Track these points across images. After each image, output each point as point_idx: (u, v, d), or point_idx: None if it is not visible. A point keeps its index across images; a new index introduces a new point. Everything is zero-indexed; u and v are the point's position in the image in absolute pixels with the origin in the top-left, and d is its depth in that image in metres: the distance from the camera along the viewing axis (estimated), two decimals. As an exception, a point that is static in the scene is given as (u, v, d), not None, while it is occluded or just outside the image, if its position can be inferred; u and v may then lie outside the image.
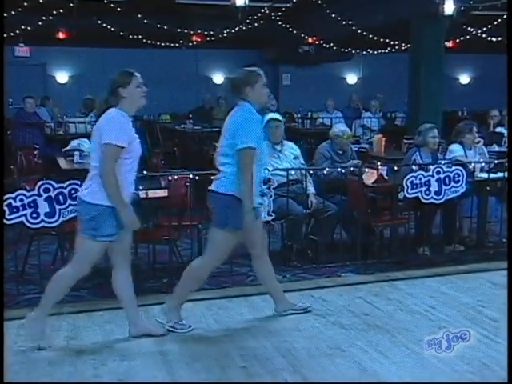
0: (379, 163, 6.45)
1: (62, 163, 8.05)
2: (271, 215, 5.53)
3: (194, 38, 14.01)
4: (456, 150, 6.73)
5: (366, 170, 6.30)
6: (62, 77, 15.99)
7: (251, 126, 4.19)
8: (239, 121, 4.21)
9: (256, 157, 4.19)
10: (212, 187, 4.33)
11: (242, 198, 4.16)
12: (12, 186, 4.89)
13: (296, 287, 5.26)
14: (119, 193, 3.91)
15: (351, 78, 17.80)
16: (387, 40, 14.60)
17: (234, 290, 5.30)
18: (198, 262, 4.44)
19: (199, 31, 13.82)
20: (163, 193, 5.44)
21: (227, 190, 4.21)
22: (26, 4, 10.99)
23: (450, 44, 13.63)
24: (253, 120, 4.22)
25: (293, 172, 5.97)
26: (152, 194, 5.26)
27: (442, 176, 5.80)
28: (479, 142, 6.96)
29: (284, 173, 5.83)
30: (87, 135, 10.15)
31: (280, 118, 6.43)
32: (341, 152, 6.61)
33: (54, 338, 4.23)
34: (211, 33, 13.54)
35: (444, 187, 5.82)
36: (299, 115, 14.28)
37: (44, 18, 12.13)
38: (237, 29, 13.19)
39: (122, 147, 3.88)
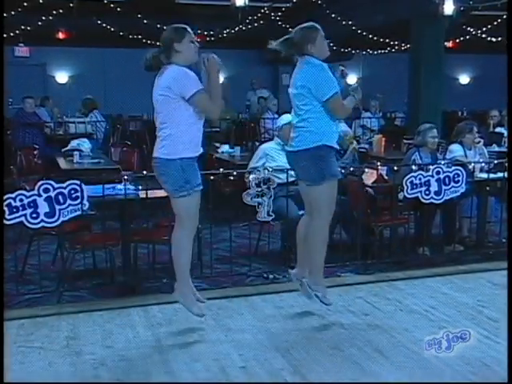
0: (379, 163, 6.45)
1: (62, 163, 8.06)
2: (271, 215, 5.55)
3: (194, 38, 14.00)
4: (456, 149, 6.74)
5: (366, 170, 6.30)
6: (62, 77, 16.00)
7: (327, 75, 4.22)
8: (313, 74, 4.22)
9: None
10: (295, 146, 4.35)
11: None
12: (12, 186, 4.88)
13: (296, 287, 5.24)
14: (219, 95, 4.10)
15: (351, 78, 17.79)
16: (387, 40, 14.61)
17: (234, 289, 5.30)
18: (314, 224, 4.40)
19: (199, 31, 13.81)
20: (163, 193, 5.43)
21: (316, 142, 4.23)
22: (25, 4, 10.99)
23: (449, 44, 13.64)
24: (324, 69, 4.24)
25: (293, 172, 5.97)
26: (152, 193, 5.26)
27: (441, 176, 5.79)
28: (479, 141, 6.97)
29: (284, 174, 5.82)
30: (87, 135, 10.26)
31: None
32: (342, 152, 6.62)
33: (54, 338, 4.24)
34: (211, 33, 13.55)
35: (444, 187, 5.81)
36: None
37: (44, 18, 12.14)
38: (237, 29, 13.20)
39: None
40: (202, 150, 4.21)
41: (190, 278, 4.35)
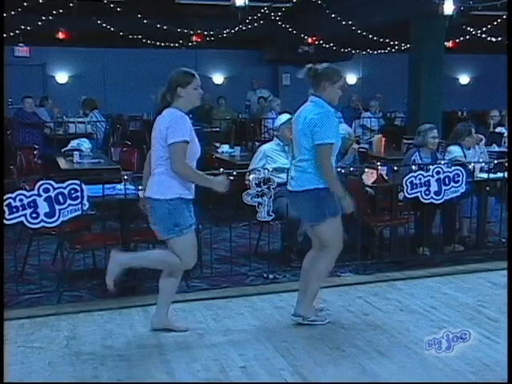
0: (379, 163, 6.45)
1: (62, 163, 8.06)
2: (271, 215, 5.55)
3: (194, 38, 14.01)
4: (455, 150, 6.72)
5: (366, 169, 6.30)
6: (62, 77, 16.00)
7: (328, 122, 4.26)
8: (316, 117, 4.26)
9: (333, 151, 4.30)
10: (294, 186, 4.40)
11: (333, 190, 4.27)
12: (12, 186, 4.88)
13: (296, 287, 5.23)
14: (200, 175, 4.12)
15: (351, 78, 17.80)
16: (387, 40, 14.60)
17: (234, 289, 5.30)
18: (322, 256, 4.46)
19: (199, 31, 13.82)
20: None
21: (316, 184, 4.28)
22: (25, 4, 10.97)
23: (449, 44, 13.63)
24: (329, 115, 4.29)
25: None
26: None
27: (441, 176, 5.79)
28: (481, 139, 6.97)
29: (284, 174, 5.82)
30: (87, 135, 10.25)
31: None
32: (343, 152, 6.61)
33: (54, 338, 4.24)
34: (211, 33, 13.54)
35: (444, 187, 5.81)
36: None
37: (44, 18, 12.12)
38: (237, 29, 13.18)
39: (187, 141, 4.03)
40: (193, 196, 4.19)
41: (169, 306, 4.39)
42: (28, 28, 12.61)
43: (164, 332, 4.31)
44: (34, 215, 4.68)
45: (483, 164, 6.48)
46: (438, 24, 10.49)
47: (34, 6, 11.08)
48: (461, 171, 5.87)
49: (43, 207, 4.69)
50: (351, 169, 6.18)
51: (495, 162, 6.40)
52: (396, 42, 14.79)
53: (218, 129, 12.68)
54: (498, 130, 9.45)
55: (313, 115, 4.28)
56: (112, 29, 13.00)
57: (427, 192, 5.78)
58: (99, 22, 12.75)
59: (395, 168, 6.08)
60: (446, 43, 11.69)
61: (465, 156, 6.66)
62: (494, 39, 13.39)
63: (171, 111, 4.10)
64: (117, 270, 4.21)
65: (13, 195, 4.62)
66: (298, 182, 4.37)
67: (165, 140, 4.03)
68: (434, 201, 5.83)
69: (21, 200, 4.63)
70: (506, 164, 6.14)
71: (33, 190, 4.68)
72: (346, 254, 5.82)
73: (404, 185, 5.69)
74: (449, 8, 9.79)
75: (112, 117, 13.60)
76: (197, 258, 4.35)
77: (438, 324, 4.42)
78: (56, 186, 4.74)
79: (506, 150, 8.05)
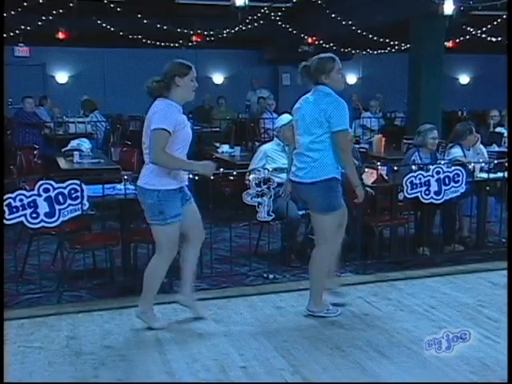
0: (379, 163, 6.45)
1: (62, 163, 8.06)
2: (271, 215, 5.55)
3: (194, 38, 14.02)
4: (455, 151, 6.72)
5: (366, 169, 6.29)
6: (62, 77, 16.00)
7: (343, 109, 4.29)
8: (331, 106, 4.27)
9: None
10: (303, 178, 4.42)
11: (350, 178, 4.37)
12: (12, 186, 4.88)
13: (296, 287, 5.26)
14: (179, 160, 4.13)
15: (351, 78, 17.79)
16: (387, 40, 14.61)
17: (234, 289, 5.30)
18: (318, 251, 4.51)
19: (199, 31, 13.82)
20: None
21: (326, 174, 4.32)
22: (25, 4, 10.97)
23: (449, 44, 13.64)
24: (341, 102, 4.30)
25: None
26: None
27: (441, 176, 5.79)
28: (478, 139, 6.98)
29: (284, 174, 5.82)
30: (87, 135, 10.25)
31: None
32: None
33: (54, 338, 4.24)
34: (211, 33, 13.55)
35: (444, 187, 5.81)
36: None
37: (44, 17, 12.13)
38: (237, 29, 13.19)
39: (168, 131, 4.01)
40: (185, 183, 4.28)
41: (154, 300, 4.43)
42: (28, 28, 12.62)
43: (164, 332, 4.32)
44: (34, 215, 4.68)
45: (483, 164, 6.48)
46: (438, 24, 10.49)
47: (34, 6, 11.08)
48: (461, 171, 5.87)
49: (43, 207, 4.69)
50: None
51: (495, 161, 6.40)
52: (396, 42, 14.80)
53: (218, 129, 12.68)
54: (498, 130, 9.45)
55: (326, 103, 4.28)
56: (112, 29, 13.01)
57: (427, 192, 5.77)
58: (99, 22, 12.76)
59: (395, 168, 6.08)
60: (446, 43, 11.70)
61: (465, 156, 6.66)
62: (494, 39, 13.40)
63: (160, 101, 4.14)
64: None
65: (13, 195, 4.61)
66: (308, 173, 4.38)
67: (148, 129, 4.09)
68: (434, 201, 5.83)
69: (21, 200, 4.63)
70: (506, 164, 6.14)
71: (33, 190, 4.68)
72: (346, 253, 5.84)
73: (404, 185, 5.69)
74: (449, 8, 9.79)
75: (112, 117, 13.60)
76: (176, 252, 4.38)
77: (438, 324, 4.42)
78: (56, 185, 4.74)
79: (506, 149, 8.05)
